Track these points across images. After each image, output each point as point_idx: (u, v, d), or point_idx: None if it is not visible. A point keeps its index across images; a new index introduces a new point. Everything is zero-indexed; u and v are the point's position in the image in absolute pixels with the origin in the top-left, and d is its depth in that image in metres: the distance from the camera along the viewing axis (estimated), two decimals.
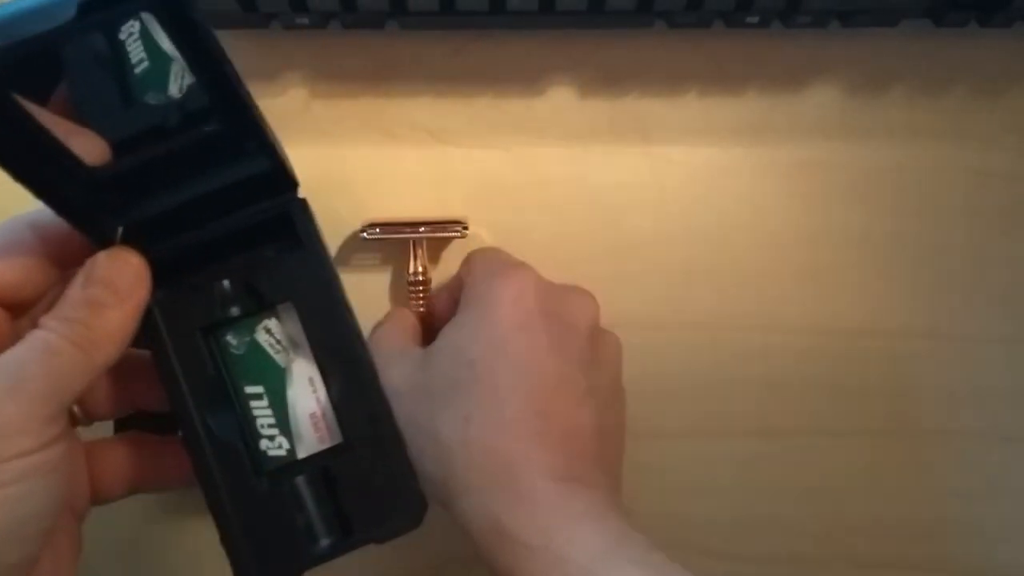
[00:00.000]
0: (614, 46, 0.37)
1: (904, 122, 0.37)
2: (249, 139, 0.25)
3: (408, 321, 0.35)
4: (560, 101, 0.37)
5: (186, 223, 0.25)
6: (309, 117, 0.37)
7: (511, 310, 0.30)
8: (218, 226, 0.26)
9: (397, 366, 0.31)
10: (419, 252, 0.36)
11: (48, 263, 0.26)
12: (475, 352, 0.30)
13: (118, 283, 0.25)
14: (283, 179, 0.26)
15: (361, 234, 0.35)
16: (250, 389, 0.27)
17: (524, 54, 0.37)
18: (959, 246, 0.37)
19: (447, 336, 0.31)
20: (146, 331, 0.26)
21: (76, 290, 0.24)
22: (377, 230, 0.35)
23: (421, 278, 0.36)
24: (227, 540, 0.25)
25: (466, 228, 0.36)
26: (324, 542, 0.26)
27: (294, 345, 0.27)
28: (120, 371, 0.27)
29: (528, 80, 0.37)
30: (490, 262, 0.34)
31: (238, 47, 0.37)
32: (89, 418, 0.28)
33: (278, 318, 0.27)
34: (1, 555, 0.23)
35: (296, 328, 0.27)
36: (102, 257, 0.25)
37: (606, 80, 0.37)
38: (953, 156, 0.37)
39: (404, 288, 0.36)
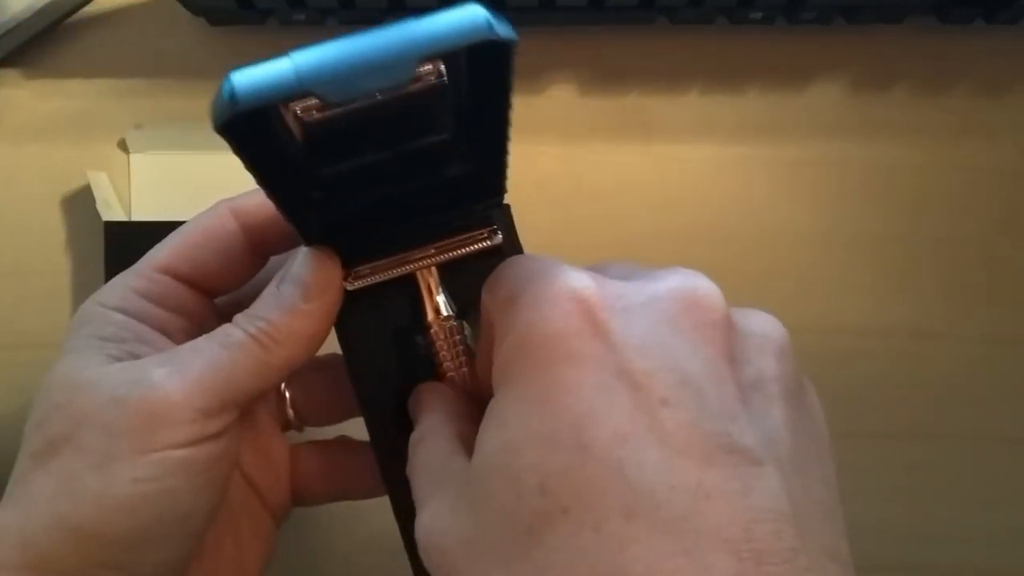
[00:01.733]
0: (615, 43, 0.37)
1: (908, 119, 0.37)
2: (491, 154, 0.22)
3: (447, 406, 0.24)
4: (561, 98, 0.37)
5: (388, 220, 0.24)
6: None
7: (578, 371, 0.18)
8: (418, 226, 0.24)
9: (431, 503, 0.20)
10: (432, 285, 0.25)
11: (249, 251, 0.25)
12: (544, 464, 0.17)
13: (310, 283, 0.23)
14: (495, 183, 0.24)
15: (344, 283, 0.24)
16: None
17: (524, 51, 0.36)
18: (962, 244, 0.37)
19: (488, 440, 0.19)
20: (339, 332, 0.25)
21: (271, 287, 0.24)
22: (367, 269, 0.24)
23: (447, 324, 0.24)
24: (412, 552, 0.24)
25: (496, 231, 0.24)
26: None
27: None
28: (340, 376, 0.26)
29: (528, 77, 0.37)
30: (516, 284, 0.20)
31: (234, 44, 0.37)
32: (304, 424, 0.28)
33: (469, 322, 0.25)
34: (141, 554, 0.21)
35: None
36: (299, 255, 0.24)
37: (607, 77, 0.37)
38: (958, 153, 0.37)
39: (424, 343, 0.25)
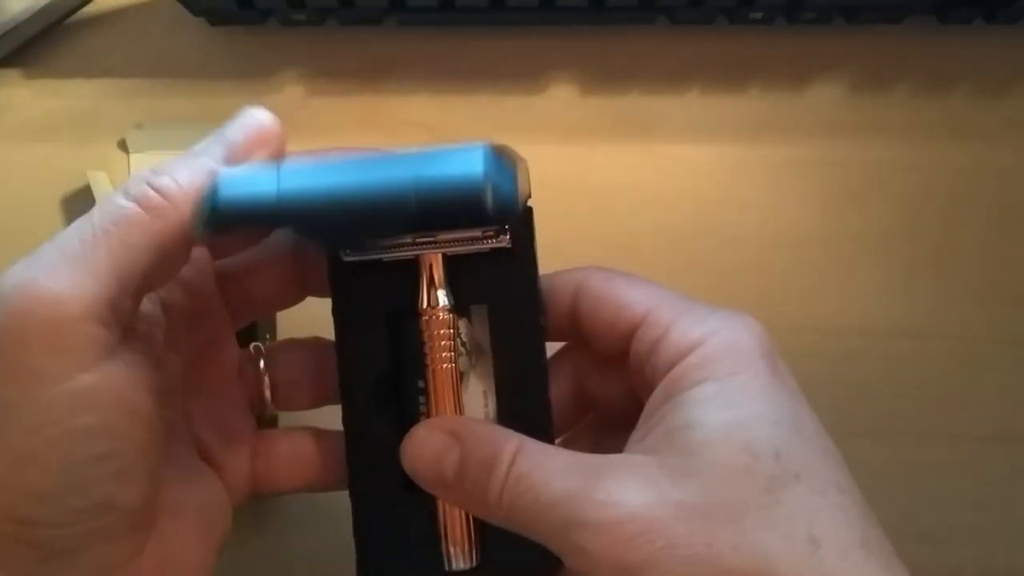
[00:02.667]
0: (615, 43, 0.37)
1: (908, 119, 0.37)
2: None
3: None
4: (561, 98, 0.37)
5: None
6: (306, 115, 0.36)
7: (771, 362, 0.22)
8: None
9: (609, 484, 0.20)
10: (435, 274, 0.24)
11: None
12: (776, 438, 0.20)
13: (238, 140, 0.21)
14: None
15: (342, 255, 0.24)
16: (422, 385, 0.24)
17: (524, 51, 0.37)
18: (962, 245, 0.37)
19: (712, 420, 0.20)
20: (334, 304, 0.24)
21: (192, 149, 0.21)
22: (368, 244, 0.24)
23: (440, 315, 0.24)
24: (360, 537, 0.24)
25: (505, 231, 0.24)
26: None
27: (478, 351, 0.25)
28: (321, 359, 0.25)
29: (529, 77, 0.37)
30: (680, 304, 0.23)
31: (234, 44, 0.37)
32: (281, 407, 0.26)
33: (469, 320, 0.25)
34: (57, 503, 0.18)
35: (484, 334, 0.25)
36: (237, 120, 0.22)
37: (607, 77, 0.37)
38: (957, 154, 0.37)
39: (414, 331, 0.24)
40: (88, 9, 0.37)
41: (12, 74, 0.37)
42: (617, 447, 0.24)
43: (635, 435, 0.22)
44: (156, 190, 0.19)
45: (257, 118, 0.22)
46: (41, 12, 0.36)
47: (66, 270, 0.18)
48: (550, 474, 0.20)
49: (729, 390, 0.21)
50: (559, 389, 0.26)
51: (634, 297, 0.24)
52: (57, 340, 0.17)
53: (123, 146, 0.36)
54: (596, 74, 0.37)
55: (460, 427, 0.22)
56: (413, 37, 0.37)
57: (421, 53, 0.37)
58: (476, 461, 0.21)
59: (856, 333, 0.36)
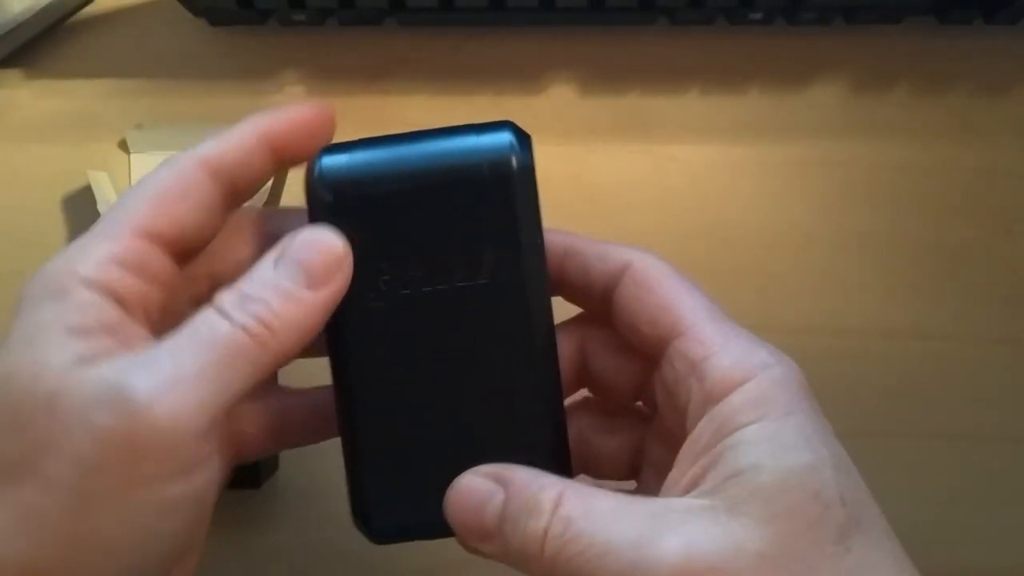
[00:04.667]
0: (615, 43, 0.37)
1: (908, 120, 0.37)
2: None
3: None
4: (561, 99, 0.37)
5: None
6: None
7: (814, 403, 0.21)
8: None
9: (697, 526, 0.19)
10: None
11: (222, 204, 0.22)
12: (841, 484, 0.20)
13: (316, 267, 0.21)
14: None
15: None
16: None
17: (524, 51, 0.37)
18: (962, 245, 0.37)
19: (777, 464, 0.19)
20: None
21: (264, 266, 0.21)
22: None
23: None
24: (354, 474, 0.23)
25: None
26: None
27: None
28: (279, 405, 0.24)
29: (528, 78, 0.37)
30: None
31: (234, 44, 0.37)
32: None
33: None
34: None
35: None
36: (302, 235, 0.21)
37: (607, 78, 0.37)
38: (957, 154, 0.37)
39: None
40: (89, 9, 0.37)
41: (13, 74, 0.37)
42: (608, 441, 0.25)
43: (684, 473, 0.20)
44: (259, 320, 0.20)
45: (326, 244, 0.22)
46: (42, 12, 0.36)
47: (182, 391, 0.19)
48: (602, 519, 0.19)
49: (788, 432, 0.20)
50: (562, 358, 0.24)
51: (684, 302, 0.22)
52: (169, 455, 0.19)
53: (123, 146, 0.36)
54: (596, 74, 0.37)
55: (506, 472, 0.21)
56: (413, 37, 0.37)
57: (421, 53, 0.37)
58: (517, 505, 0.20)
59: (855, 333, 0.36)
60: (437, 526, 0.22)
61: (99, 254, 0.20)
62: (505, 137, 0.24)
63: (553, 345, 0.23)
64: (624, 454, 0.25)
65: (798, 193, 0.37)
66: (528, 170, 0.23)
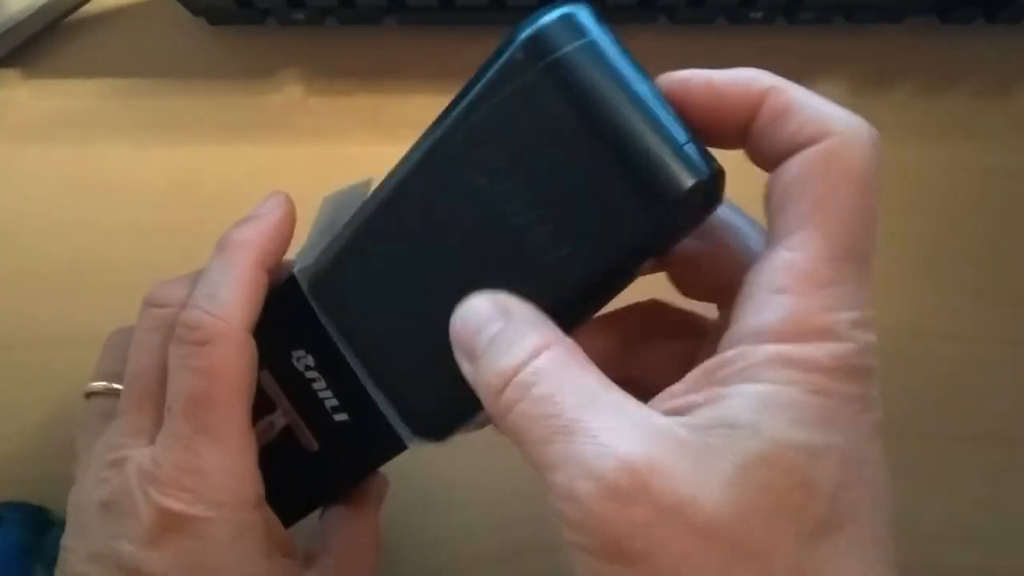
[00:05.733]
0: None
1: (909, 119, 0.37)
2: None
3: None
4: None
5: None
6: (306, 115, 0.36)
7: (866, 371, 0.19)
8: None
9: (657, 449, 0.17)
10: None
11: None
12: (838, 477, 0.18)
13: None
14: None
15: None
16: None
17: None
18: (963, 245, 0.37)
19: (779, 434, 0.17)
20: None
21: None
22: None
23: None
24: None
25: None
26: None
27: None
28: None
29: None
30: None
31: (234, 43, 0.37)
32: None
33: None
34: None
35: None
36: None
37: None
38: (958, 154, 0.37)
39: None
40: (87, 8, 0.37)
41: (11, 74, 0.37)
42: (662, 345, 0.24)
43: (686, 393, 0.18)
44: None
45: None
46: (40, 11, 0.36)
47: None
48: (575, 391, 0.18)
49: (810, 408, 0.17)
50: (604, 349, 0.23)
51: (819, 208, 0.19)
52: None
53: None
54: None
55: (512, 304, 0.20)
56: (413, 37, 0.37)
57: (421, 53, 0.37)
58: (506, 337, 0.19)
59: None
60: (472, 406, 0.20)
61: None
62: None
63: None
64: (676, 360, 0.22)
65: None
66: None
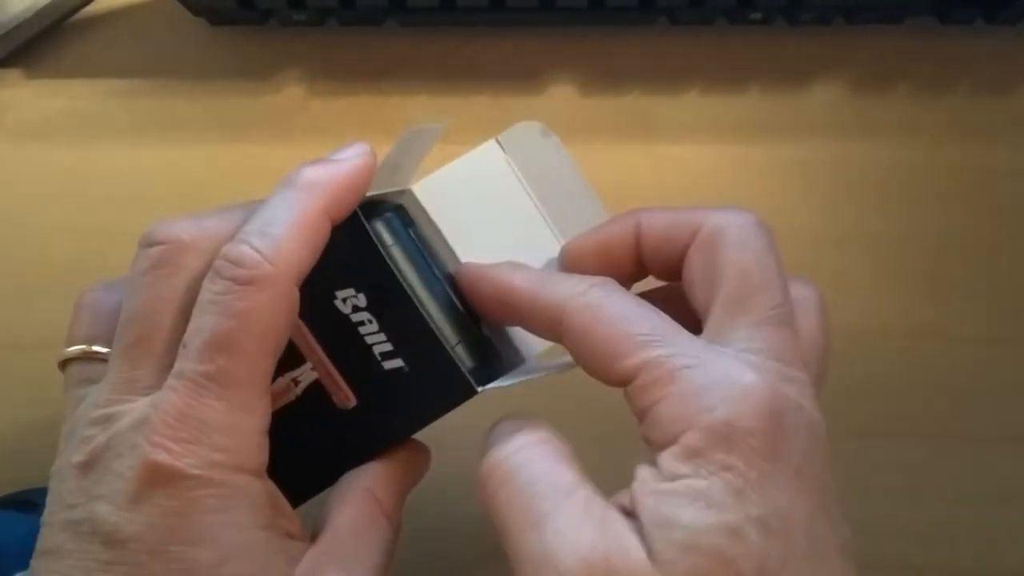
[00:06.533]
0: (616, 43, 0.37)
1: (909, 119, 0.37)
2: None
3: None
4: (561, 99, 0.37)
5: None
6: (307, 115, 0.36)
7: (778, 433, 0.20)
8: None
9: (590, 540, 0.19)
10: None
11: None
12: (765, 549, 0.19)
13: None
14: None
15: None
16: None
17: (524, 51, 0.37)
18: (962, 244, 0.37)
19: (691, 517, 0.18)
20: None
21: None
22: None
23: None
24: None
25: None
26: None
27: None
28: None
29: (529, 78, 0.37)
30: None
31: (235, 44, 0.37)
32: None
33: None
34: None
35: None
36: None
37: (608, 78, 0.37)
38: (957, 154, 0.37)
39: None
40: (88, 9, 0.37)
41: (13, 74, 0.37)
42: None
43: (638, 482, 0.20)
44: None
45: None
46: (42, 12, 0.36)
47: None
48: (547, 478, 0.20)
49: (717, 488, 0.18)
50: None
51: (636, 326, 0.21)
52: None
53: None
54: (596, 74, 0.37)
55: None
56: (413, 37, 0.37)
57: (421, 53, 0.37)
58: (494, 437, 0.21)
59: (854, 333, 0.36)
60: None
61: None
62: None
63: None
64: None
65: (798, 193, 0.37)
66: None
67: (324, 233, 0.21)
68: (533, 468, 0.20)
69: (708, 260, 0.21)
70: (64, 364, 0.23)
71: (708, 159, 0.37)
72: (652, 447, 0.20)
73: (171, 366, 0.20)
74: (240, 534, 0.20)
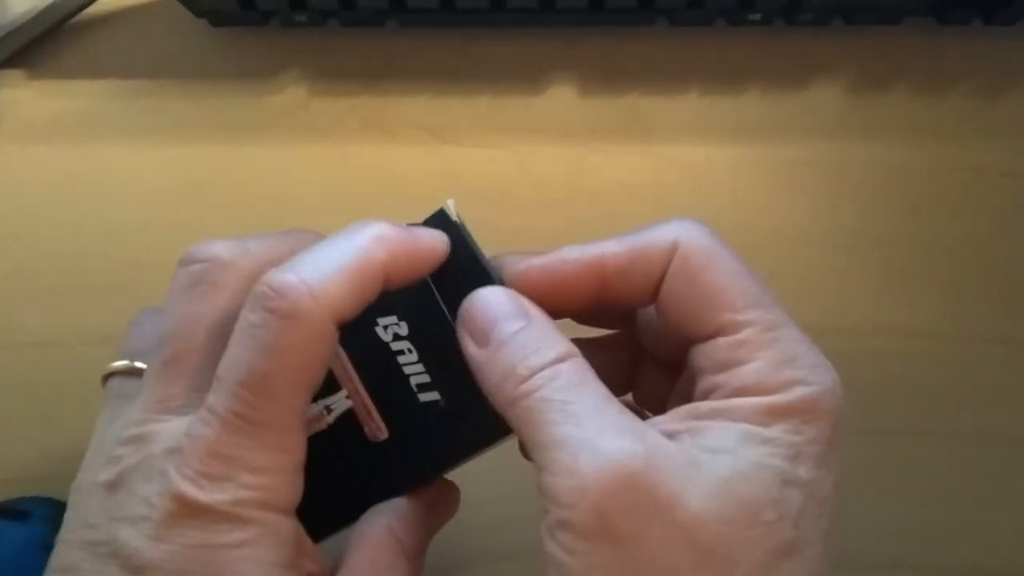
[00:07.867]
0: (615, 44, 0.37)
1: (907, 120, 0.37)
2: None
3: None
4: (561, 99, 0.37)
5: None
6: (308, 116, 0.36)
7: (837, 427, 0.22)
8: None
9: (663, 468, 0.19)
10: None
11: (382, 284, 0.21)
12: (802, 506, 0.20)
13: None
14: None
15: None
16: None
17: (525, 52, 0.37)
18: (961, 245, 0.37)
19: (758, 475, 0.19)
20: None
21: None
22: None
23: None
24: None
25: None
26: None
27: None
28: None
29: (529, 78, 0.37)
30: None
31: (236, 45, 0.37)
32: None
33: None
34: None
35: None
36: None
37: (607, 78, 0.37)
38: (956, 154, 0.37)
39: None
40: (90, 10, 0.37)
41: (15, 75, 0.37)
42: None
43: (669, 416, 0.21)
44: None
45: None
46: (44, 13, 0.36)
47: None
48: (585, 396, 0.19)
49: (780, 448, 0.20)
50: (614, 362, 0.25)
51: (729, 291, 0.22)
52: None
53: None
54: (596, 75, 0.37)
55: (532, 308, 0.21)
56: (414, 38, 0.37)
57: (422, 54, 0.37)
58: (531, 336, 0.20)
59: (854, 333, 0.36)
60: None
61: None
62: None
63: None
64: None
65: (797, 193, 0.37)
66: None
67: (375, 288, 0.20)
68: (572, 382, 0.20)
69: (690, 283, 0.23)
70: (106, 378, 0.23)
71: (707, 159, 0.37)
72: (728, 393, 0.20)
73: (205, 386, 0.20)
74: (262, 571, 0.20)
